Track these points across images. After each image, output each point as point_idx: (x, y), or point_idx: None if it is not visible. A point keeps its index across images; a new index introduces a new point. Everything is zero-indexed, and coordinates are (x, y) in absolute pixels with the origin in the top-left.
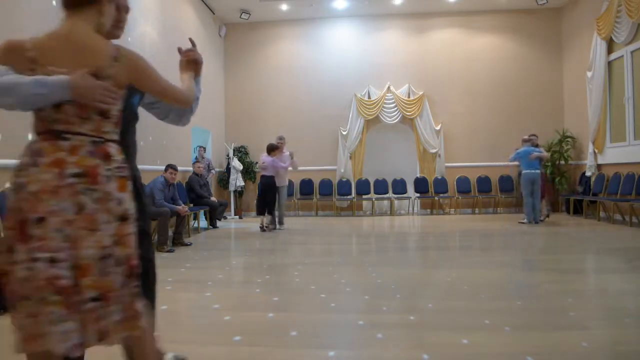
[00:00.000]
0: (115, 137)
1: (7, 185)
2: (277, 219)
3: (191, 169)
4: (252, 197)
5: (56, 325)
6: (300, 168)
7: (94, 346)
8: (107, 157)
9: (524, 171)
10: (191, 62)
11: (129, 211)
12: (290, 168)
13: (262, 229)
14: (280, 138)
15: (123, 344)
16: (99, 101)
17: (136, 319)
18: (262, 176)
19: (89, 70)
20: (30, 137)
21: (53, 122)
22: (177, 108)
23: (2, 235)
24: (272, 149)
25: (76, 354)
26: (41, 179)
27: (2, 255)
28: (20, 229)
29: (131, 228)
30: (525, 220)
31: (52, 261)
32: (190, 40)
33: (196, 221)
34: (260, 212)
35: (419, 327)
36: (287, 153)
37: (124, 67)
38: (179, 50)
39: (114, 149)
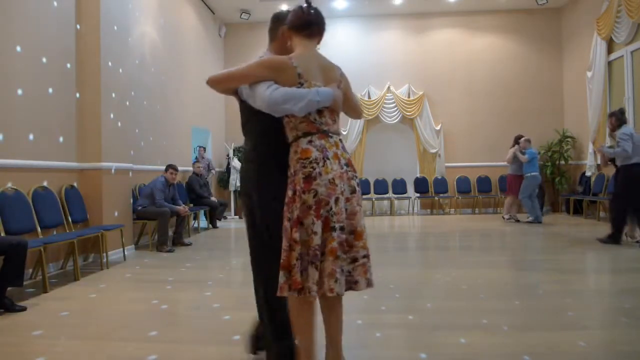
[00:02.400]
0: None
1: (8, 185)
2: None
3: (191, 169)
4: None
5: (342, 275)
6: None
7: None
8: (346, 151)
9: (532, 174)
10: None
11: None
12: None
13: None
14: None
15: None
16: (340, 107)
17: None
18: None
19: (336, 84)
20: (32, 137)
21: (320, 124)
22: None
23: (293, 212)
24: None
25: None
26: (333, 168)
27: (294, 228)
28: (317, 208)
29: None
30: (531, 219)
31: (341, 229)
32: None
33: (196, 221)
34: None
35: (418, 327)
36: None
37: (344, 83)
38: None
39: None
